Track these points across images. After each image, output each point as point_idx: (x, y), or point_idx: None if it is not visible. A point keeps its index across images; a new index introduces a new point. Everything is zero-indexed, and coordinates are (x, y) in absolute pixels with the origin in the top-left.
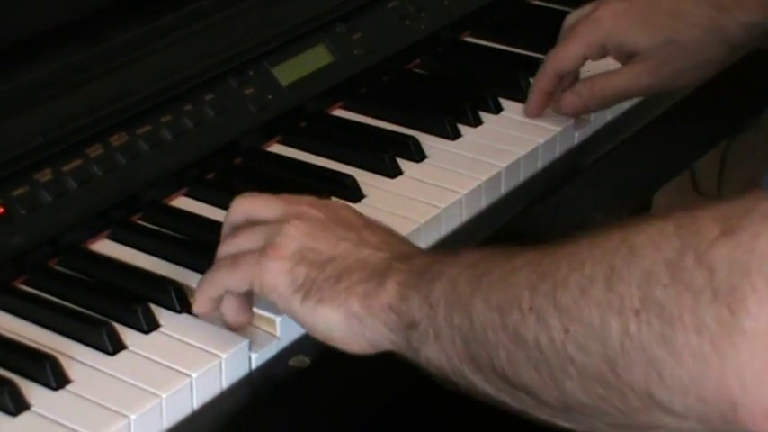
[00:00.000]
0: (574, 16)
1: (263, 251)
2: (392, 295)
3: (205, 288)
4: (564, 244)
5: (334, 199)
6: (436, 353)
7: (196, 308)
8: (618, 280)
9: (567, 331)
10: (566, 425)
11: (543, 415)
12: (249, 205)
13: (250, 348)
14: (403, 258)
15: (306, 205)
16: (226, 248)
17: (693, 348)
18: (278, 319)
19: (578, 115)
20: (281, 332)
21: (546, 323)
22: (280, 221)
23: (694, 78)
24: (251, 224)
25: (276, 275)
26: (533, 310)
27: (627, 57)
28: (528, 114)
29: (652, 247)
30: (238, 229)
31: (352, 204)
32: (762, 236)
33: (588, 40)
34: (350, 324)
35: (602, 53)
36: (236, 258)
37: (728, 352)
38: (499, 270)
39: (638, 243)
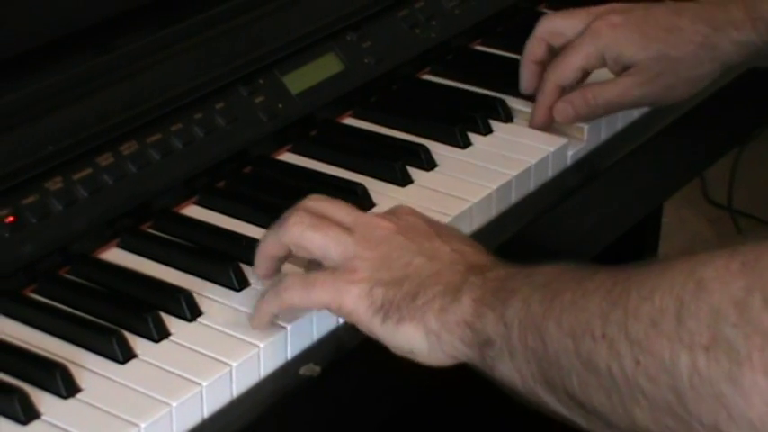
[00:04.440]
0: (552, 22)
1: (338, 275)
2: (468, 312)
3: (269, 304)
4: (633, 270)
5: (402, 202)
6: (510, 371)
7: (256, 323)
8: (687, 315)
9: (638, 362)
10: None
11: None
12: (324, 205)
13: (260, 356)
14: (477, 271)
15: (376, 216)
16: (299, 224)
17: (761, 390)
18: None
19: (570, 123)
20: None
21: (618, 352)
22: (350, 232)
23: (684, 94)
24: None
25: (355, 299)
26: (605, 339)
27: (622, 68)
28: (534, 127)
29: (719, 282)
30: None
31: None
32: None
33: (587, 52)
34: (429, 340)
35: (600, 63)
36: (308, 281)
37: None
38: (571, 293)
39: (705, 277)
